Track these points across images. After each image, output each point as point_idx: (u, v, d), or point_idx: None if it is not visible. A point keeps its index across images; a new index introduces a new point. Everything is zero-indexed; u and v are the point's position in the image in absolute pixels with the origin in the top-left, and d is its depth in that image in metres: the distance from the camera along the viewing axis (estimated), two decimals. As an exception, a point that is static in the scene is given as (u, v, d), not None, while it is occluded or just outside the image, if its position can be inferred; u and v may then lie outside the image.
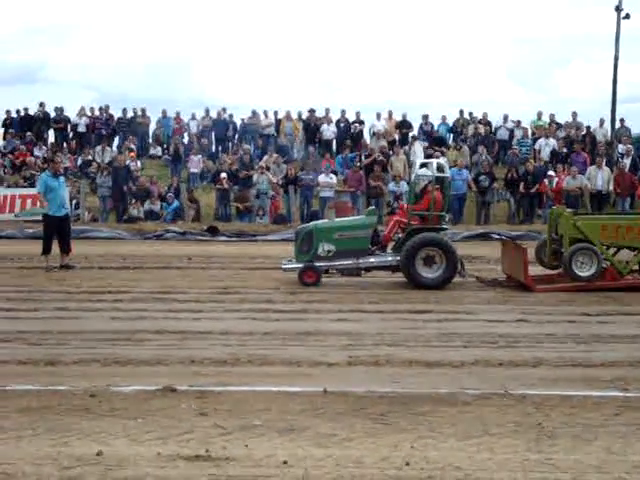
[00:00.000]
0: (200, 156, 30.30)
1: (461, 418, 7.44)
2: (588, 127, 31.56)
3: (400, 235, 15.95)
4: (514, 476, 6.08)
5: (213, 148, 33.13)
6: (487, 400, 8.00)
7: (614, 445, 6.78)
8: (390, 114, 32.76)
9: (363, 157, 29.12)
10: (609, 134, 31.05)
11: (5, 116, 33.35)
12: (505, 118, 32.42)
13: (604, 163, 27.16)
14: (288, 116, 32.62)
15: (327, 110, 32.82)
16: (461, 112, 32.89)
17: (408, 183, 21.66)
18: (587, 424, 7.29)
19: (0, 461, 6.28)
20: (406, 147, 30.20)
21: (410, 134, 32.08)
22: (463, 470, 6.18)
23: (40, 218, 18.83)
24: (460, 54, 72.18)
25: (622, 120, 31.64)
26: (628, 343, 10.81)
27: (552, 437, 6.94)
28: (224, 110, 33.50)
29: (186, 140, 32.60)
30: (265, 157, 29.58)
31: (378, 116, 32.45)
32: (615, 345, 10.68)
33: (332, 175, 27.32)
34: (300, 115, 32.83)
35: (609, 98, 31.38)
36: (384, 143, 30.25)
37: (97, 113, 33.22)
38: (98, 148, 30.83)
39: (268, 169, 27.80)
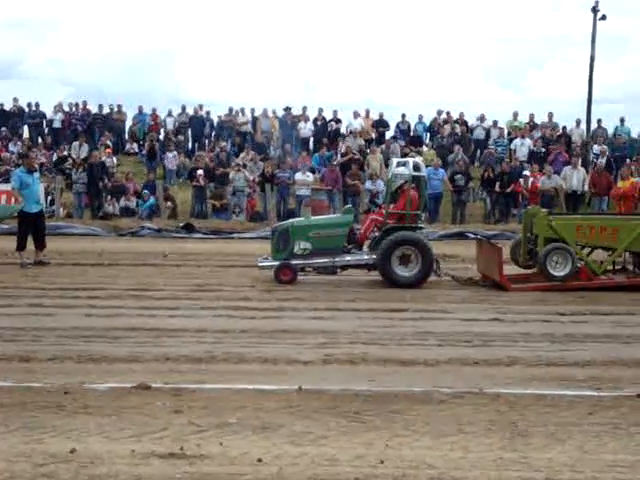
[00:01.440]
0: (176, 153, 30.22)
1: (435, 417, 7.47)
2: (564, 127, 31.74)
3: (376, 234, 15.97)
4: (488, 475, 6.10)
5: (189, 145, 33.07)
6: (461, 399, 8.03)
7: (587, 444, 6.83)
8: (367, 113, 32.83)
9: (340, 156, 29.13)
10: (585, 134, 31.23)
11: (-20, 111, 33.15)
12: (481, 118, 32.54)
13: (579, 163, 27.29)
14: (265, 114, 32.59)
15: (304, 108, 32.87)
16: (439, 112, 32.97)
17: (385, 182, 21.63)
18: (561, 423, 7.33)
19: (-27, 458, 6.25)
20: (382, 146, 30.26)
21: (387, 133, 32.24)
22: (437, 469, 6.20)
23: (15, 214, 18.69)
24: (436, 54, 72.46)
25: (599, 121, 31.87)
26: (602, 343, 10.87)
27: (526, 436, 6.98)
28: (201, 107, 33.47)
29: (162, 137, 32.50)
30: (242, 154, 29.52)
31: (355, 115, 32.50)
32: (589, 345, 10.73)
33: (309, 173, 27.33)
34: (275, 112, 32.80)
35: (584, 98, 31.58)
36: (361, 142, 30.30)
37: (73, 109, 33.08)
38: (74, 144, 30.64)
39: (245, 166, 27.74)
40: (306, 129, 32.08)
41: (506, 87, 72.27)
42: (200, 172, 27.20)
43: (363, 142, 30.38)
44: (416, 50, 70.47)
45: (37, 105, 33.19)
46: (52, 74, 65.09)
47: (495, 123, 32.22)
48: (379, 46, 70.66)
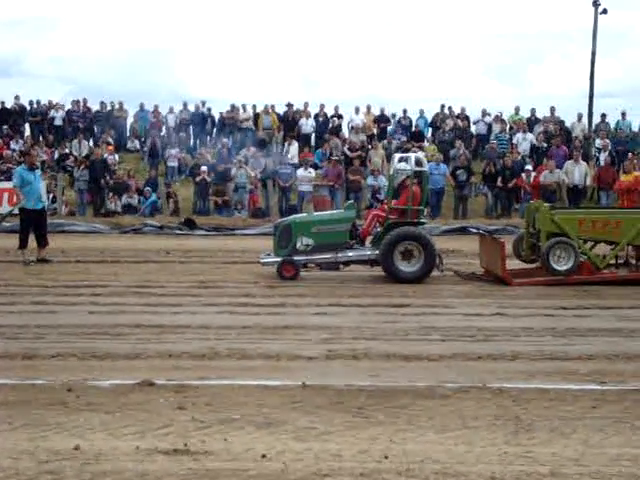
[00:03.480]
0: (178, 150, 30.20)
1: (439, 411, 7.46)
2: (562, 122, 31.70)
3: (378, 229, 15.97)
4: (492, 469, 6.10)
5: (191, 142, 33.04)
6: (465, 393, 8.03)
7: (592, 438, 6.82)
8: (369, 108, 32.79)
9: (347, 150, 29.15)
10: (587, 129, 31.21)
11: (-19, 109, 33.15)
12: (483, 113, 32.52)
13: (580, 158, 27.26)
14: (266, 110, 32.55)
15: (306, 104, 32.83)
16: (442, 107, 32.92)
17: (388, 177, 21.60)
18: (565, 417, 7.32)
19: (-23, 455, 6.25)
20: (384, 141, 30.27)
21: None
22: (441, 463, 6.20)
23: (17, 212, 18.70)
24: (436, 49, 72.35)
25: (603, 115, 31.83)
26: (605, 336, 10.87)
27: (530, 430, 6.97)
28: (203, 104, 33.45)
29: (164, 134, 32.48)
30: (243, 151, 29.49)
31: (357, 110, 32.47)
32: (592, 339, 10.74)
33: (311, 169, 27.30)
34: (274, 108, 32.70)
35: (584, 93, 31.61)
36: (363, 137, 30.27)
37: (74, 106, 33.08)
38: (75, 141, 30.67)
39: (246, 163, 27.73)
40: (307, 125, 32.02)
41: (506, 82, 72.11)
42: (204, 168, 27.21)
43: (365, 138, 30.34)
44: (416, 45, 70.55)
45: (38, 103, 33.18)
46: (52, 72, 65.15)
47: (497, 118, 32.16)
48: (379, 42, 70.57)
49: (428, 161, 20.23)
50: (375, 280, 15.70)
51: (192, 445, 6.49)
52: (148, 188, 27.17)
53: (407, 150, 25.61)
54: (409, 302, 13.33)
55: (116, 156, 29.62)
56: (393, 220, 15.71)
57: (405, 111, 32.91)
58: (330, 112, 32.68)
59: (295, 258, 15.67)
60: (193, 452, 6.36)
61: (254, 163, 27.93)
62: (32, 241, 17.58)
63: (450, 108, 32.84)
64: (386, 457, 6.30)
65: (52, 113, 32.82)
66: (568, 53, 67.19)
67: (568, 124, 31.76)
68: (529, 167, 27.04)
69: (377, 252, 15.52)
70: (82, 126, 32.29)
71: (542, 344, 10.31)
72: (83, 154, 29.34)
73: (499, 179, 26.82)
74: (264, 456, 6.29)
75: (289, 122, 32.25)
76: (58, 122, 32.61)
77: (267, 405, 7.57)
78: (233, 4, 72.09)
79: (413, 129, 32.10)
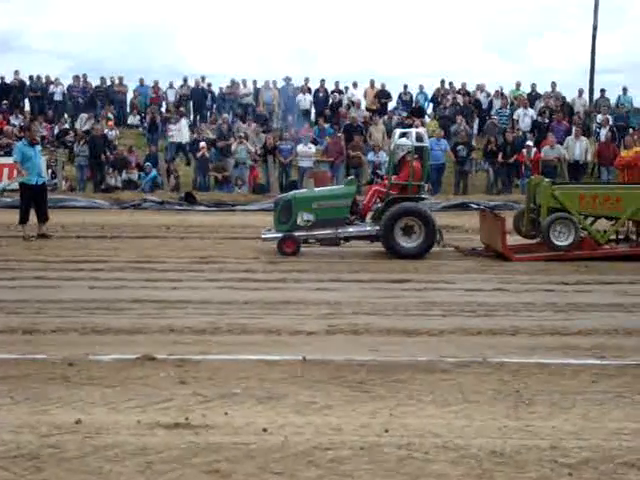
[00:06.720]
0: (178, 125, 30.06)
1: (440, 386, 7.48)
2: (564, 97, 31.61)
3: (379, 205, 15.96)
4: (492, 442, 6.11)
5: (191, 117, 32.93)
6: (465, 368, 8.04)
7: (591, 412, 6.84)
8: (372, 83, 32.66)
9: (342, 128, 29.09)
10: (587, 104, 31.13)
11: (-19, 85, 33.07)
12: (482, 87, 32.40)
13: (581, 133, 27.19)
14: (267, 85, 32.43)
15: (306, 79, 32.70)
16: (442, 82, 32.80)
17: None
18: (565, 391, 7.34)
19: (-21, 429, 6.27)
20: (385, 117, 30.18)
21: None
22: (442, 437, 6.21)
23: (17, 187, 18.69)
24: (436, 24, 72.03)
25: (603, 90, 31.73)
26: (605, 312, 10.88)
27: (530, 404, 6.99)
28: (203, 79, 33.33)
29: (164, 109, 32.38)
30: (243, 126, 29.38)
31: (354, 85, 32.36)
32: (592, 314, 10.75)
33: (311, 145, 27.23)
34: (275, 84, 32.61)
35: (584, 68, 31.60)
36: (364, 113, 30.17)
37: (74, 82, 32.97)
38: (81, 115, 30.51)
39: (247, 138, 27.64)
40: (306, 101, 31.91)
41: (506, 57, 71.83)
42: (203, 144, 27.11)
43: (366, 113, 30.25)
44: (416, 21, 70.22)
45: (38, 78, 33.06)
46: (51, 47, 64.90)
47: (497, 93, 32.04)
48: (378, 17, 70.32)
49: (429, 136, 20.21)
50: (375, 256, 15.70)
51: (193, 419, 6.50)
52: (148, 164, 27.09)
53: (409, 126, 25.54)
54: (409, 277, 13.34)
55: (116, 131, 29.52)
56: (394, 196, 15.70)
57: (406, 86, 32.80)
58: (330, 88, 32.54)
59: (296, 234, 15.67)
60: (194, 426, 6.38)
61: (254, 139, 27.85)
62: (32, 216, 17.58)
63: (451, 83, 32.71)
64: (386, 431, 6.32)
65: (52, 88, 32.73)
66: (568, 28, 66.89)
67: (569, 99, 31.66)
68: (530, 143, 26.95)
69: (378, 228, 15.53)
70: (82, 101, 32.19)
71: (542, 319, 10.33)
72: (83, 129, 29.24)
73: (500, 155, 26.76)
74: (265, 430, 6.30)
75: (289, 98, 32.09)
76: (58, 97, 32.51)
77: (268, 379, 7.59)
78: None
79: (413, 105, 31.97)
